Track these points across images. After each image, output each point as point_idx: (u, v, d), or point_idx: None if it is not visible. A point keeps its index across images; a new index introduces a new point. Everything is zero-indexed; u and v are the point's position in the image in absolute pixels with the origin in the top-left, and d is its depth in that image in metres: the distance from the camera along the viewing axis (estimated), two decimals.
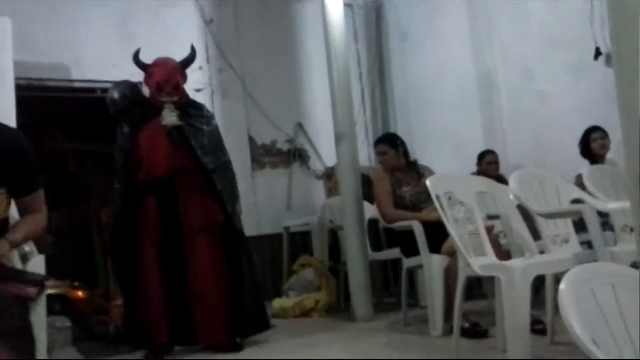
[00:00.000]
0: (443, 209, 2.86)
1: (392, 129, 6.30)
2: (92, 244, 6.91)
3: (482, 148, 5.38)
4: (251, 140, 5.83)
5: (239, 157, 5.19)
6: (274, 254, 5.55)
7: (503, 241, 3.37)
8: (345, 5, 4.84)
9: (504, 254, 3.14)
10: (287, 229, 5.57)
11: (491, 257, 2.85)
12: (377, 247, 4.85)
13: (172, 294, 3.69)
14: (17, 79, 4.14)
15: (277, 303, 4.81)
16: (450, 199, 2.90)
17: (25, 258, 2.26)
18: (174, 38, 5.12)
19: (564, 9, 4.97)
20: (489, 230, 3.11)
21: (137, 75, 3.99)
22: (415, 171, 4.14)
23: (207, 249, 3.69)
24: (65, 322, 4.24)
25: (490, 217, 3.30)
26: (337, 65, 4.57)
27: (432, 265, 3.64)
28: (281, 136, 5.96)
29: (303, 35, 6.12)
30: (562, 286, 1.26)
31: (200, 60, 4.86)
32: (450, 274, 3.46)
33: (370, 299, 4.42)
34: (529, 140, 5.31)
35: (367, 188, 4.58)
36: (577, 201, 3.00)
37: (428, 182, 2.99)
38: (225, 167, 3.88)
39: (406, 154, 4.21)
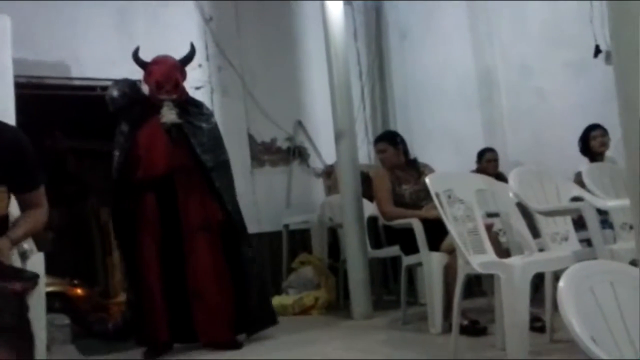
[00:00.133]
0: (442, 207, 2.86)
1: (391, 126, 6.30)
2: (91, 241, 6.92)
3: (481, 146, 5.38)
4: (250, 137, 5.83)
5: (238, 155, 5.20)
6: (273, 252, 5.55)
7: (502, 239, 3.37)
8: (345, 3, 4.84)
9: (503, 252, 3.14)
10: (286, 226, 5.57)
11: (490, 255, 2.85)
12: (377, 244, 4.85)
13: (171, 292, 3.70)
14: (16, 76, 4.13)
15: (277, 300, 4.81)
16: (449, 196, 2.90)
17: (24, 255, 2.26)
18: (174, 36, 5.11)
19: (564, 7, 4.97)
20: (488, 227, 3.11)
21: (137, 73, 3.99)
22: (414, 169, 4.14)
23: (207, 246, 3.69)
24: (64, 320, 4.25)
25: (490, 215, 3.31)
26: (337, 63, 4.56)
27: (432, 262, 3.65)
28: (281, 134, 5.96)
29: (303, 33, 6.12)
30: (561, 284, 1.26)
31: (199, 57, 4.85)
32: (449, 272, 3.46)
33: (369, 296, 4.42)
34: (529, 138, 5.31)
35: (367, 186, 4.58)
36: (576, 199, 3.00)
37: (427, 180, 2.99)
38: (224, 165, 3.88)
39: (406, 151, 4.21)
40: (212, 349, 3.66)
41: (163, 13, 5.44)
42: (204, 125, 3.83)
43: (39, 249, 2.41)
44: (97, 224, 6.80)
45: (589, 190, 3.05)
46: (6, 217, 2.00)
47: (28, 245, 2.32)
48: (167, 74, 3.77)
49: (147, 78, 3.86)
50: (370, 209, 4.58)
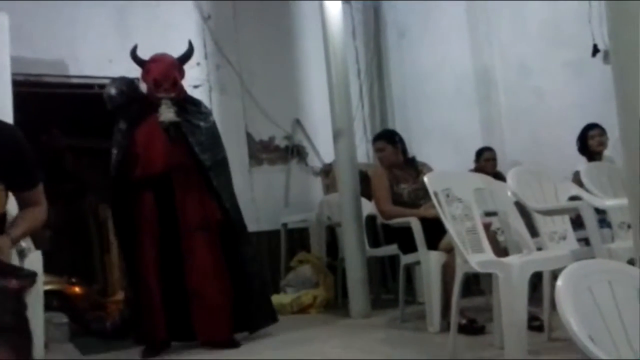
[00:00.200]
0: (441, 206, 2.86)
1: (389, 125, 6.30)
2: (89, 239, 6.91)
3: (479, 145, 5.38)
4: (249, 136, 5.82)
5: (236, 153, 5.19)
6: (272, 250, 5.55)
7: (500, 238, 3.38)
8: (344, 2, 4.84)
9: (501, 251, 3.15)
10: (284, 225, 5.57)
11: (489, 254, 2.85)
12: (375, 243, 4.85)
13: (170, 290, 3.69)
14: (14, 74, 4.13)
15: (275, 299, 4.79)
16: (448, 195, 2.90)
17: (22, 254, 2.26)
18: (172, 34, 5.11)
19: (562, 6, 4.97)
20: (487, 226, 3.11)
21: (135, 71, 3.99)
22: (413, 168, 4.14)
23: (205, 245, 3.69)
24: (62, 318, 4.25)
25: (488, 214, 3.31)
26: (335, 61, 4.56)
27: (430, 261, 3.65)
28: (279, 132, 5.95)
29: (301, 32, 6.11)
30: (559, 283, 1.26)
31: (197, 56, 4.84)
32: (447, 270, 3.47)
33: (367, 295, 4.43)
34: (527, 137, 5.32)
35: (365, 184, 4.58)
36: (574, 198, 3.00)
37: (426, 179, 2.99)
38: (222, 163, 3.87)
39: (404, 150, 4.21)
40: (210, 347, 3.66)
41: (161, 11, 5.43)
42: (202, 123, 3.83)
43: (37, 247, 2.41)
44: (95, 222, 6.79)
45: (587, 190, 3.06)
46: (4, 215, 2.00)
47: (26, 243, 2.31)
48: (165, 72, 3.76)
49: (145, 76, 3.85)
50: (368, 207, 4.58)
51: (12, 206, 2.14)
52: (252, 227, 4.16)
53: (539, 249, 3.04)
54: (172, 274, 3.69)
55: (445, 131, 5.90)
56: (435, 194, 2.89)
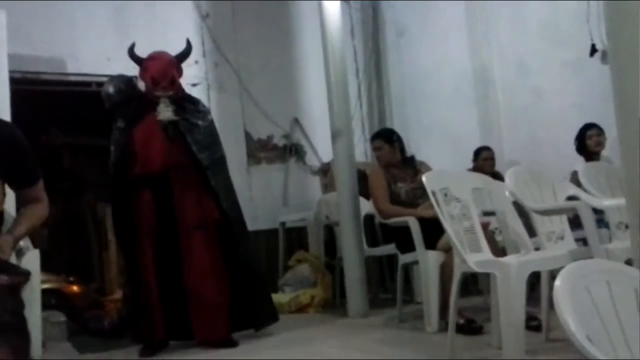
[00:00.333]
0: (439, 205, 2.86)
1: (388, 124, 6.30)
2: (87, 237, 6.90)
3: (477, 144, 5.38)
4: (247, 135, 5.82)
5: (234, 152, 5.19)
6: (270, 249, 5.55)
7: (498, 237, 3.38)
8: (342, 1, 4.83)
9: (499, 250, 3.15)
10: (282, 224, 5.57)
11: (487, 254, 2.85)
12: (373, 242, 4.85)
13: (168, 289, 3.69)
14: (11, 71, 4.12)
15: (273, 298, 4.79)
16: (446, 195, 2.90)
17: (20, 252, 2.26)
18: (170, 32, 5.10)
19: (561, 6, 4.97)
20: (484, 226, 3.11)
21: (132, 69, 3.98)
22: (411, 167, 4.13)
23: (202, 244, 3.68)
24: (59, 317, 4.24)
25: (486, 214, 3.31)
26: (334, 60, 4.56)
27: (428, 261, 3.65)
28: (277, 131, 5.95)
29: (299, 30, 6.11)
30: (557, 283, 1.26)
31: (196, 54, 4.84)
32: (445, 270, 3.47)
33: (365, 294, 4.42)
34: (525, 136, 5.32)
35: (363, 184, 4.57)
36: (572, 198, 3.00)
37: (424, 178, 2.99)
38: (220, 162, 3.87)
39: (402, 149, 4.20)
40: (207, 347, 3.66)
41: (160, 9, 5.42)
42: (200, 122, 3.82)
43: (35, 245, 2.41)
44: (92, 220, 6.78)
45: (585, 190, 3.06)
46: (1, 213, 2.00)
47: (24, 242, 2.31)
48: (162, 70, 3.75)
49: (142, 74, 3.84)
50: (366, 207, 4.58)
51: (9, 205, 2.14)
52: (250, 225, 4.16)
53: (537, 248, 3.05)
54: (170, 272, 3.69)
55: (444, 130, 5.90)
56: (434, 194, 2.89)
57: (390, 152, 4.14)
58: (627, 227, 2.81)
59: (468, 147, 5.35)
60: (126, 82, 4.00)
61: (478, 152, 5.26)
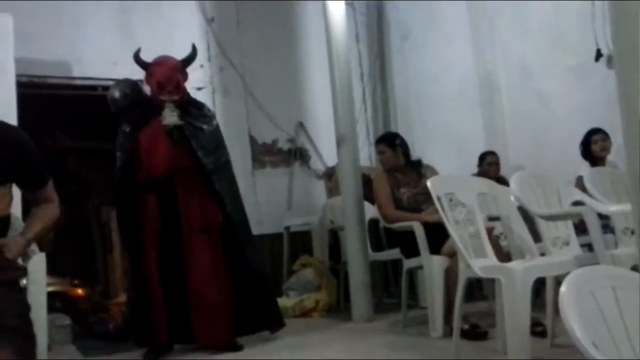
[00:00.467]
0: (444, 210, 2.85)
1: (392, 128, 6.30)
2: (92, 240, 6.92)
3: (482, 149, 5.37)
4: (252, 138, 5.83)
5: (239, 156, 5.20)
6: (274, 254, 5.55)
7: (503, 243, 3.37)
8: (347, 4, 4.84)
9: (504, 256, 3.14)
10: (287, 228, 5.57)
11: (492, 259, 2.84)
12: (377, 247, 4.84)
13: (172, 293, 3.69)
14: (18, 75, 4.14)
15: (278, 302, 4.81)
16: (451, 200, 2.89)
17: (26, 256, 2.26)
18: (175, 36, 5.12)
19: (565, 10, 4.97)
20: (489, 231, 3.10)
21: (138, 73, 3.99)
22: (415, 171, 4.12)
23: (206, 249, 3.68)
24: (64, 320, 4.24)
25: (491, 219, 3.30)
26: (339, 64, 4.56)
27: (432, 266, 3.64)
28: (282, 135, 5.96)
29: (304, 34, 6.12)
30: (563, 289, 1.26)
31: (201, 58, 4.85)
32: (450, 275, 3.46)
33: (370, 299, 4.42)
34: (530, 141, 5.31)
35: (368, 188, 4.57)
36: (577, 203, 3.00)
37: (429, 183, 2.98)
38: (225, 167, 3.87)
39: (406, 153, 4.19)
40: (211, 350, 3.65)
41: (165, 13, 5.44)
42: (205, 126, 3.83)
43: (41, 249, 2.41)
44: (97, 223, 6.79)
45: (590, 195, 3.05)
46: (9, 216, 2.01)
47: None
48: (168, 75, 3.77)
49: (148, 79, 3.86)
50: (371, 211, 4.58)
51: (14, 209, 2.15)
52: (254, 230, 4.16)
53: (542, 254, 3.04)
54: (174, 276, 3.69)
55: (448, 135, 5.89)
56: (439, 198, 2.89)
57: (393, 156, 4.14)
58: (633, 232, 2.80)
59: (473, 151, 5.34)
60: (132, 86, 4.01)
61: (483, 157, 5.25)
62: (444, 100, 5.98)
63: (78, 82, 5.09)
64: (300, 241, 5.66)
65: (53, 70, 4.95)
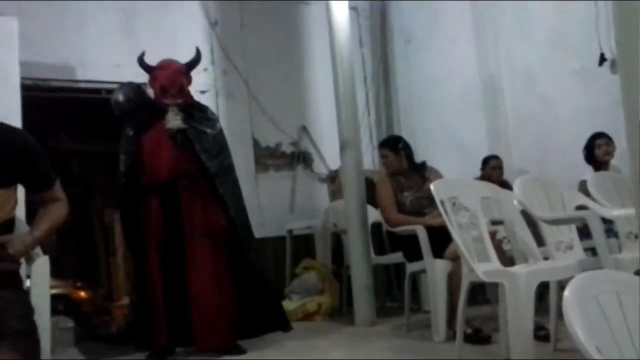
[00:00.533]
0: (447, 214, 2.85)
1: (395, 131, 6.30)
2: (95, 243, 6.93)
3: (485, 152, 5.37)
4: (255, 142, 5.84)
5: (242, 159, 5.20)
6: (277, 257, 5.55)
7: (506, 247, 3.36)
8: (350, 8, 4.85)
9: (507, 260, 3.13)
10: (290, 231, 5.57)
11: (495, 263, 2.84)
12: (380, 251, 4.84)
13: (174, 296, 3.69)
14: (22, 78, 4.16)
15: None
16: (454, 204, 2.89)
17: (30, 259, 2.27)
18: (179, 39, 5.13)
19: (569, 14, 4.98)
20: (492, 235, 3.10)
21: (142, 76, 4.00)
22: (419, 174, 4.11)
23: (208, 252, 3.68)
24: (68, 322, 4.25)
25: (494, 223, 3.30)
26: (342, 68, 4.57)
27: (435, 270, 3.64)
28: (285, 139, 5.96)
29: (308, 38, 6.13)
30: (566, 293, 1.26)
31: (205, 61, 4.86)
32: (453, 279, 3.45)
33: (372, 302, 4.41)
34: (533, 145, 5.31)
35: (371, 192, 4.57)
36: (581, 207, 2.99)
37: (432, 187, 2.98)
38: (229, 170, 3.87)
39: (409, 156, 4.19)
40: (214, 353, 3.65)
41: (169, 17, 5.46)
42: (208, 130, 3.83)
43: (45, 252, 2.42)
44: (100, 226, 6.82)
45: (594, 199, 3.04)
46: (13, 219, 2.02)
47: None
48: (172, 78, 3.77)
49: (152, 82, 3.87)
50: (374, 215, 4.57)
51: (19, 212, 2.16)
52: (257, 233, 4.16)
53: (546, 258, 3.03)
54: (176, 279, 3.69)
55: (451, 138, 5.89)
56: (442, 202, 2.89)
57: (397, 160, 4.13)
58: (636, 237, 2.80)
59: (476, 155, 5.34)
60: (135, 90, 4.02)
61: (486, 161, 5.25)
62: (447, 104, 5.99)
63: (82, 85, 5.11)
64: (303, 244, 5.66)
65: (57, 73, 4.97)
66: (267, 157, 5.90)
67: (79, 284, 5.02)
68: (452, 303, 3.45)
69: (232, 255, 3.77)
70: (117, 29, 5.24)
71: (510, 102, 5.57)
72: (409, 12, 6.39)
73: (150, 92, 4.00)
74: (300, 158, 6.01)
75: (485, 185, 3.51)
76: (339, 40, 4.57)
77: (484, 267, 2.75)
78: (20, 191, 2.13)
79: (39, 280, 2.35)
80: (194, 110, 3.87)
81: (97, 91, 5.05)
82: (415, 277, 4.28)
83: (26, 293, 2.13)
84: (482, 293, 4.42)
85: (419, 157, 4.52)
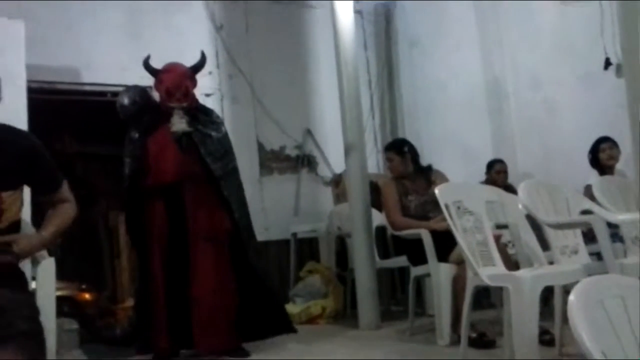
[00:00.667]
0: (452, 218, 2.85)
1: (400, 135, 6.29)
2: (100, 245, 6.95)
3: (490, 156, 5.37)
4: (259, 145, 5.84)
5: (247, 162, 5.21)
6: (281, 260, 5.55)
7: (511, 251, 3.36)
8: (355, 12, 4.86)
9: (512, 264, 3.13)
10: (294, 234, 5.57)
11: (499, 267, 2.84)
12: (385, 254, 4.84)
13: (176, 299, 3.69)
14: (28, 81, 4.17)
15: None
16: (459, 207, 2.89)
17: (35, 261, 2.28)
18: (185, 43, 5.15)
19: (574, 18, 4.97)
20: (496, 238, 3.10)
21: (147, 79, 4.02)
22: (424, 178, 4.11)
23: (212, 256, 3.68)
24: (72, 324, 4.26)
25: (499, 227, 3.29)
26: (347, 71, 4.58)
27: (440, 273, 3.63)
28: (289, 142, 5.97)
29: (313, 42, 6.14)
30: (572, 297, 1.26)
31: (210, 65, 4.87)
32: (458, 283, 3.45)
33: (377, 306, 4.41)
34: (538, 149, 5.30)
35: (375, 195, 4.57)
36: (586, 212, 2.98)
37: (437, 191, 2.98)
38: (233, 173, 3.88)
39: (415, 160, 4.18)
40: (217, 355, 3.65)
41: (174, 20, 5.48)
42: (213, 133, 3.84)
43: (50, 254, 2.43)
44: (105, 228, 6.83)
45: (599, 204, 3.04)
46: (19, 221, 2.03)
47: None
48: (177, 82, 3.78)
49: (157, 86, 3.88)
50: (378, 218, 4.57)
51: (24, 214, 2.16)
52: (262, 236, 4.17)
53: (551, 262, 3.03)
54: (180, 282, 3.69)
55: (456, 142, 5.89)
56: (446, 206, 2.88)
57: (402, 163, 4.13)
58: None
59: (481, 159, 5.34)
60: (141, 93, 4.04)
61: (491, 165, 5.24)
62: (451, 108, 5.98)
63: (87, 87, 5.12)
64: (307, 248, 5.66)
65: (62, 76, 4.99)
66: (272, 161, 5.90)
67: (83, 286, 5.03)
68: (456, 307, 3.44)
69: (236, 258, 3.77)
70: (122, 32, 5.25)
71: (515, 106, 5.57)
72: (414, 15, 6.39)
73: (156, 95, 4.01)
74: (304, 161, 6.01)
75: (490, 189, 3.51)
76: (343, 44, 4.58)
77: (489, 271, 2.75)
78: (26, 193, 2.14)
79: (44, 281, 2.36)
80: (199, 114, 3.88)
81: (103, 94, 5.07)
82: (420, 281, 4.28)
83: (32, 294, 2.14)
84: (487, 297, 4.41)
85: (423, 161, 4.52)
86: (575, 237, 3.07)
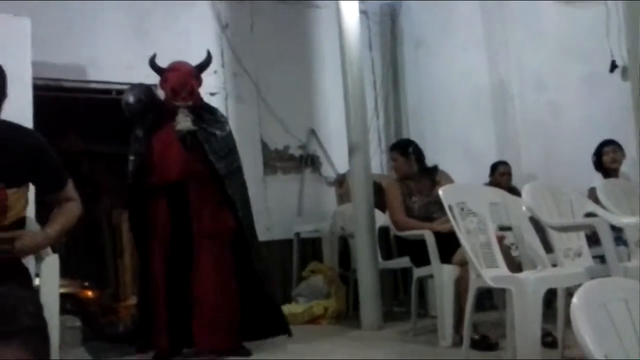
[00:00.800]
0: (455, 219, 2.85)
1: (404, 136, 6.29)
2: (103, 243, 6.96)
3: (494, 158, 5.36)
4: (263, 144, 5.85)
5: (251, 162, 5.21)
6: (284, 260, 5.55)
7: (515, 253, 3.36)
8: (360, 12, 4.86)
9: (515, 266, 3.13)
10: (297, 234, 5.57)
11: (503, 269, 2.84)
12: (388, 255, 4.84)
13: (177, 298, 3.69)
14: (34, 78, 4.18)
15: (286, 309, 4.79)
16: (462, 209, 2.89)
17: (39, 258, 2.28)
18: (190, 42, 5.16)
19: (580, 21, 4.96)
20: (499, 240, 3.09)
21: (153, 77, 4.02)
22: (429, 178, 4.10)
23: (215, 255, 3.68)
24: (75, 322, 4.27)
25: (502, 228, 3.29)
26: (351, 71, 4.58)
27: (443, 275, 3.63)
28: (293, 141, 5.97)
29: (318, 42, 6.15)
30: (575, 300, 1.26)
31: (215, 64, 4.87)
32: (460, 284, 3.45)
33: (379, 307, 4.41)
34: (542, 151, 5.29)
35: (379, 196, 4.57)
36: (590, 214, 2.98)
37: (441, 192, 2.98)
38: (237, 172, 3.88)
39: (420, 160, 4.18)
40: (218, 355, 3.65)
41: (180, 19, 5.49)
42: (217, 132, 3.84)
43: (54, 251, 2.44)
44: (109, 226, 6.84)
45: (603, 206, 3.03)
46: (24, 219, 2.04)
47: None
48: (182, 81, 3.79)
49: (162, 84, 3.89)
50: (381, 219, 4.57)
51: (29, 211, 2.17)
52: (265, 236, 4.18)
53: (554, 265, 3.02)
54: (182, 281, 3.69)
55: (460, 144, 5.88)
56: (450, 207, 2.88)
57: (406, 164, 4.13)
58: None
59: (485, 161, 5.33)
60: (146, 91, 4.04)
61: (495, 167, 5.24)
62: (456, 109, 5.98)
63: (93, 85, 5.13)
64: (310, 248, 5.66)
65: (68, 74, 5.00)
66: (276, 160, 5.91)
67: (86, 284, 5.04)
68: (459, 308, 3.44)
69: (239, 258, 3.77)
70: (128, 31, 5.27)
71: (520, 108, 5.56)
72: (419, 16, 6.39)
73: (161, 93, 4.02)
74: (308, 161, 6.01)
75: (494, 191, 3.50)
76: (348, 44, 4.58)
77: (492, 273, 2.74)
78: (30, 191, 2.15)
79: (48, 278, 2.36)
80: (204, 112, 3.88)
81: (108, 92, 5.08)
82: (423, 282, 4.28)
83: (36, 291, 2.15)
84: (490, 299, 4.40)
85: (427, 162, 4.51)
86: (578, 240, 3.06)
